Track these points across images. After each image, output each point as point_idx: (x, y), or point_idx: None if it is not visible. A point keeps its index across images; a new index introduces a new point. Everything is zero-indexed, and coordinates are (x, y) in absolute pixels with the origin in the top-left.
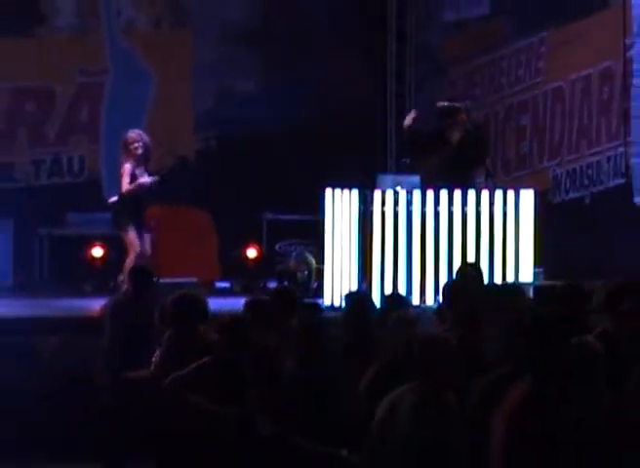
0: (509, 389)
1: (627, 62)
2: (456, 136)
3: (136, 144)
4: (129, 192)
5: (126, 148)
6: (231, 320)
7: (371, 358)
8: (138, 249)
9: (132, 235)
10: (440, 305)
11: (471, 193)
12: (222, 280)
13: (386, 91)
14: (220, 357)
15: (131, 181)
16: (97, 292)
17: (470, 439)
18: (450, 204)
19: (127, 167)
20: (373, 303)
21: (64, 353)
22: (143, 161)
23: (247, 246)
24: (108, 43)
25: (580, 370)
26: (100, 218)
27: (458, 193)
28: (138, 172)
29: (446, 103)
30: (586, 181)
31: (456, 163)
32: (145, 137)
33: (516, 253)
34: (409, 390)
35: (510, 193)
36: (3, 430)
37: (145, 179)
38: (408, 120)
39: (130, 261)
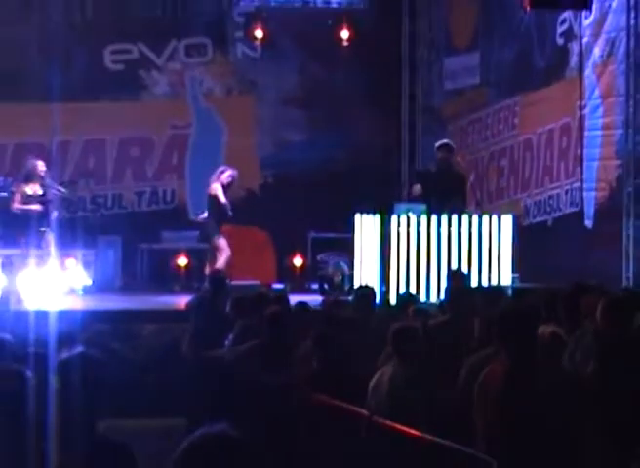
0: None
1: (582, 119)
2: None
3: (230, 179)
4: (225, 206)
5: (219, 177)
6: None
7: None
8: (229, 252)
9: (222, 242)
10: (442, 302)
11: (465, 217)
12: (278, 282)
13: (400, 140)
14: (267, 341)
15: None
16: (183, 291)
17: (456, 402)
18: (449, 226)
19: (220, 188)
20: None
21: (159, 336)
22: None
23: (295, 256)
24: (192, 105)
25: (543, 350)
26: (185, 236)
27: (454, 217)
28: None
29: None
30: (549, 209)
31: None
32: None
33: (498, 263)
34: (390, 365)
35: (494, 218)
36: (109, 392)
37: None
38: (416, 191)
39: (222, 262)
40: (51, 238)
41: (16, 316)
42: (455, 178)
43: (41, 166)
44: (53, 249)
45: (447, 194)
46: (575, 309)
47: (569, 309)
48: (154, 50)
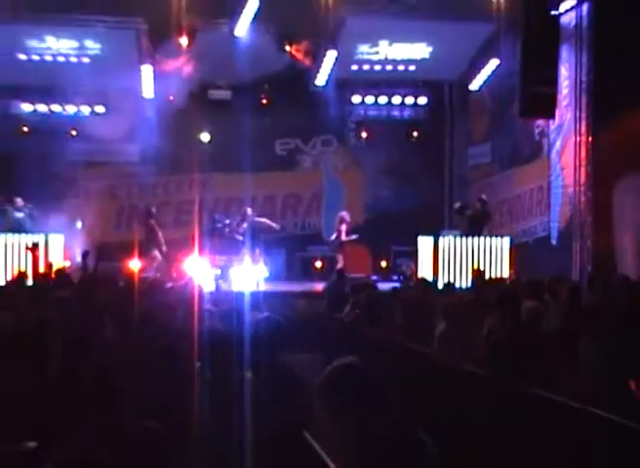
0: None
1: (549, 183)
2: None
3: (349, 217)
4: (345, 241)
5: (341, 222)
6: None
7: None
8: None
9: (340, 256)
10: (469, 287)
11: (482, 239)
12: (373, 275)
13: (444, 194)
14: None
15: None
16: (320, 281)
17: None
18: (472, 244)
19: (344, 228)
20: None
21: (307, 307)
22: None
23: (383, 260)
24: (325, 174)
25: (527, 317)
26: (321, 249)
27: (476, 239)
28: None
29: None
30: (530, 233)
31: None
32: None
33: (502, 265)
34: (442, 324)
35: (499, 239)
36: (281, 338)
37: (353, 237)
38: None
39: (345, 266)
40: (258, 251)
41: (226, 294)
42: (484, 216)
43: (249, 211)
44: (251, 255)
45: (479, 225)
46: (553, 292)
47: (550, 292)
48: (304, 142)
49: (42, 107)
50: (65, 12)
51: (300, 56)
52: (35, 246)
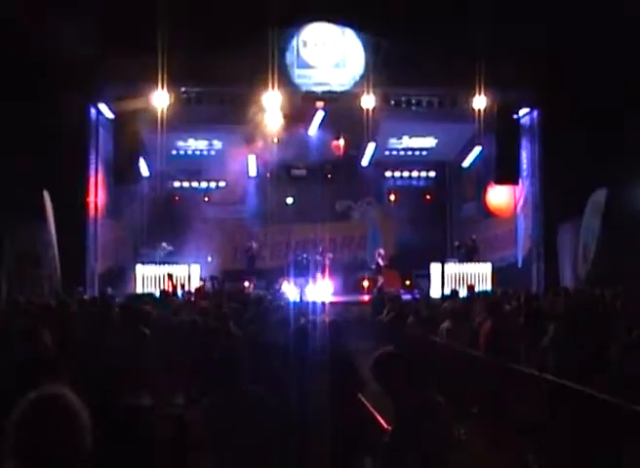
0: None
1: (516, 227)
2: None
3: (381, 255)
4: (381, 266)
5: (379, 255)
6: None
7: None
8: (382, 280)
9: (380, 277)
10: (464, 297)
11: (473, 265)
12: (401, 290)
13: (447, 235)
14: (394, 315)
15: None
16: (367, 294)
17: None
18: (466, 268)
19: (380, 258)
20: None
21: (358, 312)
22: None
23: (407, 280)
24: (368, 223)
25: (503, 317)
26: (366, 273)
27: (469, 264)
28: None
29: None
30: (504, 259)
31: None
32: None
33: (485, 282)
34: (447, 322)
35: (482, 264)
36: (342, 332)
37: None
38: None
39: (380, 284)
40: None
41: (305, 303)
42: (474, 249)
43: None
44: (320, 276)
45: (471, 255)
46: (518, 299)
47: (517, 299)
48: (354, 202)
49: (186, 184)
50: (200, 123)
51: (350, 147)
52: (170, 275)
